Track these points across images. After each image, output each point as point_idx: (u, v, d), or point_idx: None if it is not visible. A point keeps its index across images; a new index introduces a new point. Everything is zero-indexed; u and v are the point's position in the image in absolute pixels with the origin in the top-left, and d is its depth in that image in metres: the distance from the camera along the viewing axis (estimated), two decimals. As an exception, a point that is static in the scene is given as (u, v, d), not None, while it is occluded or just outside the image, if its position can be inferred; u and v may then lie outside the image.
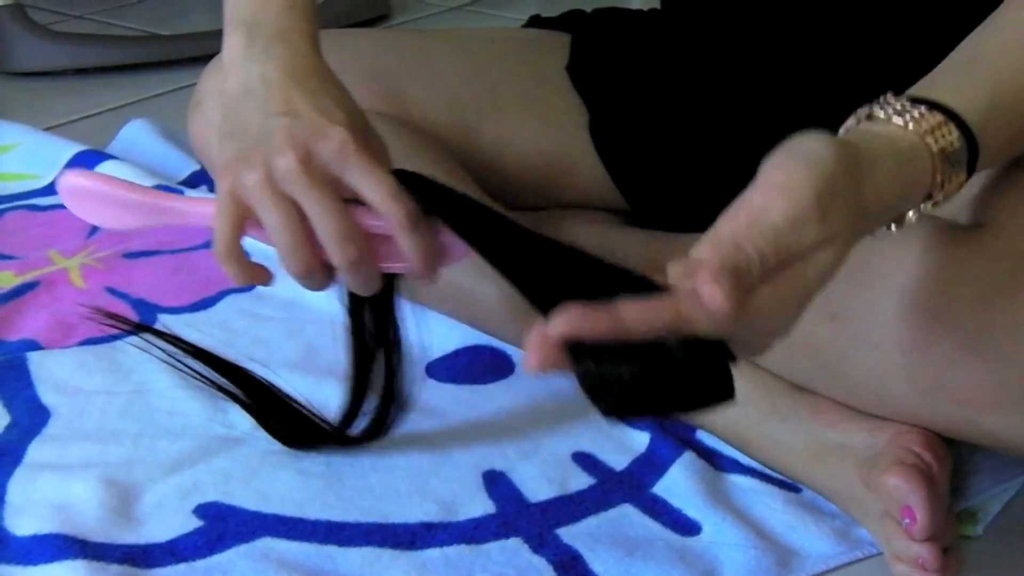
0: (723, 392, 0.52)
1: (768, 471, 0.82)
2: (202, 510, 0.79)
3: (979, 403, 0.67)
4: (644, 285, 0.56)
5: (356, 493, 0.80)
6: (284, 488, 0.81)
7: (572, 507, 0.79)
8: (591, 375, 0.50)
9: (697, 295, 0.49)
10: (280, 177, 0.63)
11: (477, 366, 0.94)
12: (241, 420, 0.88)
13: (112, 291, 1.08)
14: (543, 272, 0.60)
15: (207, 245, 1.17)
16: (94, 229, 1.20)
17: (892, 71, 0.83)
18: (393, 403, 0.80)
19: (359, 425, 0.82)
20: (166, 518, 0.78)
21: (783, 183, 0.52)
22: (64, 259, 1.14)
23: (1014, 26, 0.65)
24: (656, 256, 0.93)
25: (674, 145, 0.96)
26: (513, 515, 0.78)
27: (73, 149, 1.34)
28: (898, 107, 0.60)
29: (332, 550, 0.75)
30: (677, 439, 0.85)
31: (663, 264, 0.94)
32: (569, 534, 0.76)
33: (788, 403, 0.81)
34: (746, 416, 0.82)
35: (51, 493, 0.80)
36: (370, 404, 0.81)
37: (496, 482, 0.82)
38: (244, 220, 0.65)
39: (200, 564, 0.74)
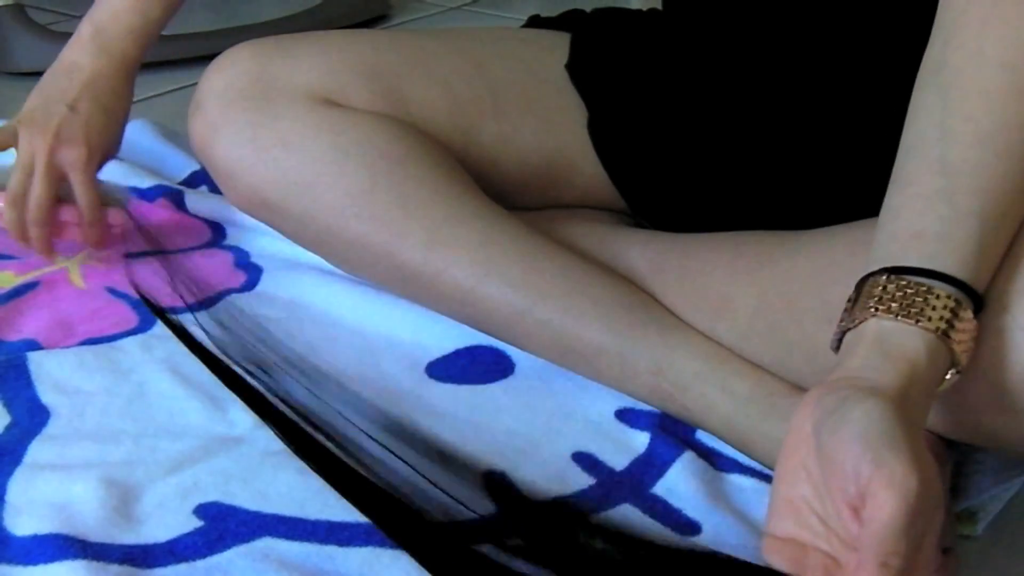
0: None
1: (768, 471, 0.82)
2: (202, 510, 0.79)
3: (977, 404, 0.67)
4: None
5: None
6: (284, 488, 0.81)
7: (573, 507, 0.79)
8: None
9: None
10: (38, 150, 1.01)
11: (477, 366, 0.94)
12: (241, 419, 0.88)
13: (112, 291, 1.08)
14: None
15: (208, 245, 1.17)
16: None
17: (890, 70, 0.83)
18: None
19: None
20: (166, 518, 0.78)
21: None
22: (64, 259, 1.14)
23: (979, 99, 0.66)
24: (656, 257, 0.93)
25: (673, 145, 0.96)
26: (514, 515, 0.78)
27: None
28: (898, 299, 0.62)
29: (332, 550, 0.75)
30: (677, 439, 0.85)
31: (663, 264, 0.95)
32: (570, 534, 0.76)
33: (789, 403, 0.81)
34: (747, 416, 0.82)
35: (51, 493, 0.80)
36: None
37: (495, 480, 0.81)
38: None
39: (200, 564, 0.74)
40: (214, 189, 1.26)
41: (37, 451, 0.85)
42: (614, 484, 0.81)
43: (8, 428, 0.88)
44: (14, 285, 1.08)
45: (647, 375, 0.87)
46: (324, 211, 0.91)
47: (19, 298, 1.06)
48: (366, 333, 0.99)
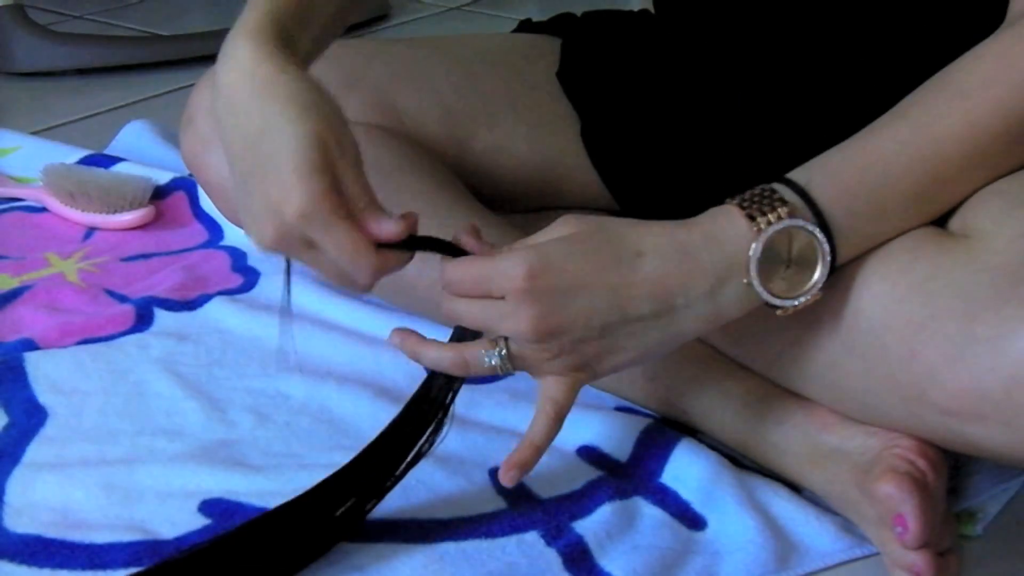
0: None
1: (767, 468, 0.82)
2: (207, 507, 0.79)
3: (962, 413, 0.67)
4: None
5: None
6: (290, 487, 0.80)
7: (580, 500, 0.79)
8: None
9: None
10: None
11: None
12: (241, 419, 0.88)
13: (110, 293, 1.08)
14: None
15: (201, 246, 1.17)
16: (90, 232, 1.21)
17: (882, 74, 0.83)
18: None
19: None
20: (171, 516, 0.78)
21: None
22: (61, 261, 1.14)
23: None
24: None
25: (666, 150, 0.96)
26: (526, 510, 0.78)
27: (76, 154, 1.34)
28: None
29: (347, 546, 0.75)
30: (676, 427, 0.85)
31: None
32: (581, 527, 0.77)
33: (784, 406, 0.81)
34: (744, 420, 0.82)
35: (50, 493, 0.80)
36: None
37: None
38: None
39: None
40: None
41: (36, 451, 0.85)
42: (622, 476, 0.82)
43: (6, 428, 0.88)
44: (11, 287, 1.08)
45: (643, 380, 0.87)
46: None
47: (16, 299, 1.06)
48: (363, 334, 0.98)
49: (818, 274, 0.69)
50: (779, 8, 0.87)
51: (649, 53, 0.99)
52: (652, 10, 1.04)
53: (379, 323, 0.98)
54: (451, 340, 0.75)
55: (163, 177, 1.27)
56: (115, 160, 1.32)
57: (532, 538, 0.76)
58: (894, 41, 0.84)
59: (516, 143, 0.99)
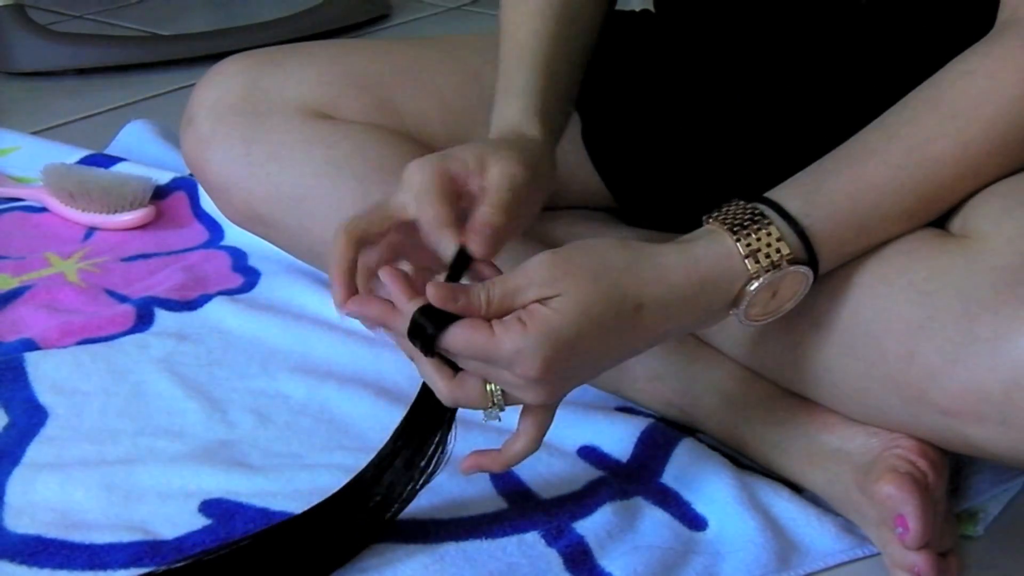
0: None
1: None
2: (208, 508, 0.79)
3: (961, 414, 0.67)
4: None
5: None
6: (290, 487, 0.80)
7: (581, 501, 0.79)
8: None
9: None
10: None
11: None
12: (241, 419, 0.88)
13: (110, 293, 1.08)
14: None
15: (202, 246, 1.17)
16: (90, 232, 1.21)
17: (882, 74, 0.83)
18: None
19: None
20: (171, 516, 0.78)
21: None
22: (61, 261, 1.14)
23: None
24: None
25: (667, 151, 0.96)
26: (527, 511, 0.78)
27: (76, 154, 1.34)
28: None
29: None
30: (677, 428, 0.85)
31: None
32: (581, 527, 0.77)
33: (784, 407, 0.81)
34: (745, 420, 0.82)
35: (51, 493, 0.80)
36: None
37: (502, 478, 0.82)
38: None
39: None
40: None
41: (36, 451, 0.85)
42: (623, 476, 0.82)
43: (6, 428, 0.88)
44: (11, 287, 1.08)
45: (644, 381, 0.87)
46: (318, 224, 0.91)
47: (16, 299, 1.06)
48: (364, 335, 0.98)
49: (792, 302, 0.70)
50: (779, 9, 0.87)
51: (649, 53, 0.99)
52: (652, 10, 1.03)
53: (380, 323, 0.98)
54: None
55: (163, 177, 1.27)
56: (115, 160, 1.32)
57: (533, 538, 0.76)
58: (893, 41, 0.84)
59: None
